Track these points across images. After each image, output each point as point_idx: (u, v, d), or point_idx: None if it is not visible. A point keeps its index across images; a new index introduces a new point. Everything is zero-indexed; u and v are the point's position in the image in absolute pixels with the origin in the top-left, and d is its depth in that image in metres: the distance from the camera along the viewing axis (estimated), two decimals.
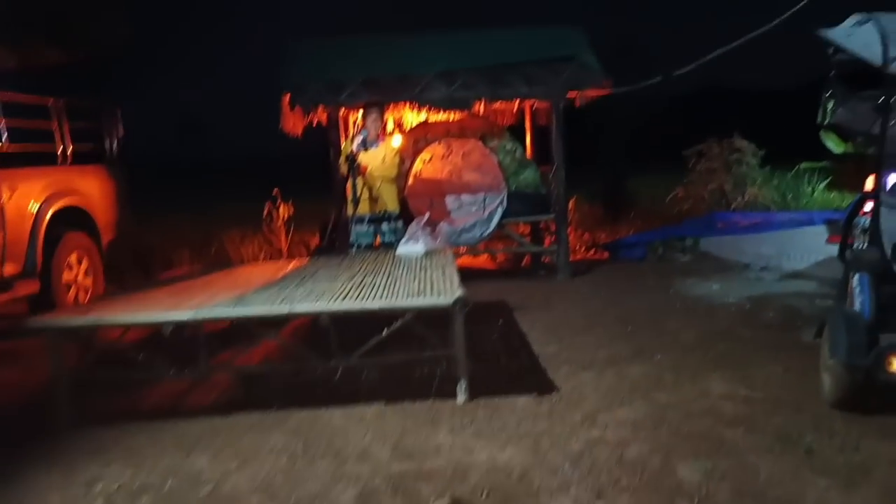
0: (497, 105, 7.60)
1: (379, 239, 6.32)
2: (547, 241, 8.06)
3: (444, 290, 3.72)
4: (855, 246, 3.90)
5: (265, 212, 9.03)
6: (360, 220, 6.23)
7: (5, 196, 5.30)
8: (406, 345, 3.93)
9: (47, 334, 3.47)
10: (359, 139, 6.10)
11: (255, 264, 5.78)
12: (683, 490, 2.69)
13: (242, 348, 4.07)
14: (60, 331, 3.43)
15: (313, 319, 3.85)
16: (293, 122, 7.14)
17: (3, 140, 5.63)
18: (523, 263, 8.55)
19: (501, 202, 7.41)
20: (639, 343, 4.77)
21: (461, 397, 3.70)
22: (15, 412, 3.95)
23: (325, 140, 7.21)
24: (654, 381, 3.95)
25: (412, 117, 7.85)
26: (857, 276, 3.46)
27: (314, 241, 8.84)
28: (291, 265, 5.24)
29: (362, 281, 4.15)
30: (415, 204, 7.34)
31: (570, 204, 9.82)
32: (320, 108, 6.92)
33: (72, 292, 6.03)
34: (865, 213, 3.67)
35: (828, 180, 10.10)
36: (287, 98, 6.83)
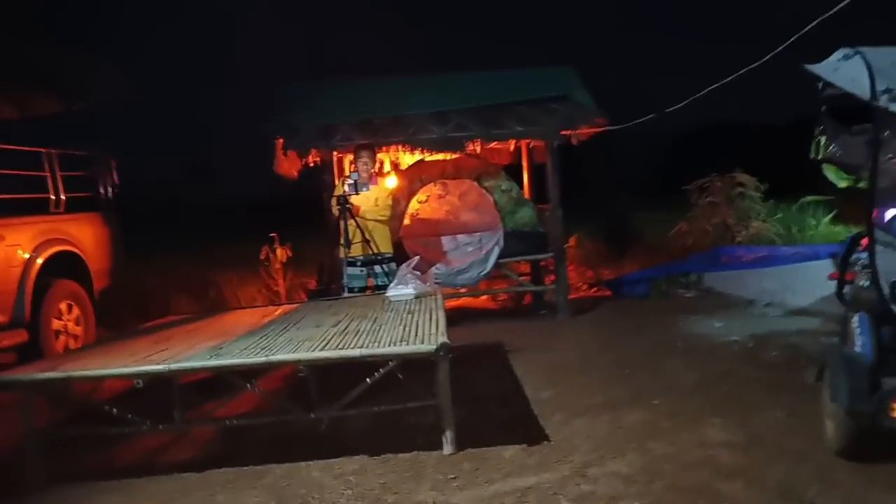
0: (492, 145, 7.57)
1: (372, 281, 6.24)
2: (547, 279, 7.94)
3: (427, 337, 3.59)
4: (856, 283, 3.76)
5: (262, 255, 8.97)
6: (353, 263, 6.15)
7: None
8: (394, 393, 3.80)
9: (15, 389, 3.37)
10: (350, 181, 6.06)
11: (243, 310, 5.67)
12: None
13: (222, 400, 3.94)
14: (27, 384, 3.32)
15: (296, 368, 3.73)
16: (287, 166, 7.13)
17: None
18: (525, 302, 8.42)
19: (498, 242, 7.31)
20: (637, 386, 4.60)
21: (447, 448, 3.55)
22: None
23: (319, 182, 7.18)
24: (650, 429, 3.77)
25: (407, 158, 7.83)
26: (856, 317, 3.31)
27: (313, 283, 8.77)
28: (279, 311, 5.14)
29: (346, 327, 4.04)
30: (410, 245, 7.26)
31: (572, 241, 9.76)
32: (313, 152, 6.90)
33: (61, 340, 5.94)
34: (864, 249, 3.54)
35: (833, 213, 9.95)
36: (280, 142, 6.83)
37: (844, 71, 3.15)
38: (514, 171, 8.38)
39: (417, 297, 5.05)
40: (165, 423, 3.54)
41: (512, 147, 8.22)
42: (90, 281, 6.45)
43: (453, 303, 8.42)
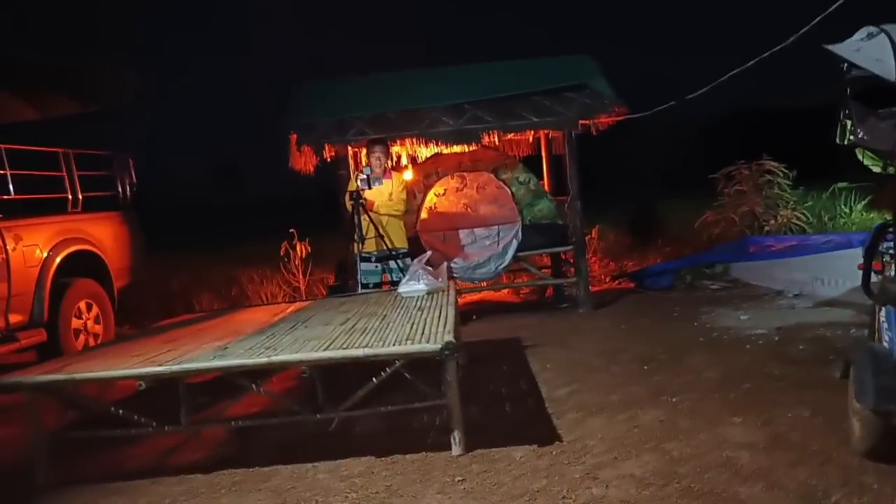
0: (510, 136, 7.43)
1: (387, 277, 6.17)
2: (570, 272, 7.80)
3: (434, 335, 3.50)
4: (885, 274, 3.56)
5: (282, 251, 8.98)
6: (367, 259, 6.10)
7: (10, 246, 5.31)
8: (406, 392, 3.72)
9: (19, 391, 3.37)
10: (363, 176, 6.00)
11: (256, 308, 5.65)
12: None
13: (230, 401, 3.91)
14: (31, 387, 3.32)
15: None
16: (303, 161, 7.09)
17: (10, 190, 5.67)
18: (547, 295, 8.29)
19: (516, 235, 7.19)
20: (656, 383, 4.45)
21: (456, 449, 3.46)
22: None
23: (334, 178, 7.13)
24: (668, 429, 3.64)
25: (425, 151, 7.74)
26: (884, 310, 3.14)
27: (332, 279, 8.75)
28: (291, 308, 5.10)
29: (354, 325, 3.97)
30: (427, 239, 7.18)
31: (594, 232, 9.57)
32: (327, 147, 6.85)
33: (81, 339, 6.00)
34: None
35: (867, 199, 9.59)
36: (294, 138, 6.79)
37: (868, 51, 2.96)
38: (534, 163, 8.24)
39: (429, 292, 4.97)
40: (172, 424, 3.51)
41: (531, 138, 8.07)
42: (110, 280, 6.49)
43: (474, 297, 8.34)
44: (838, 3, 4.05)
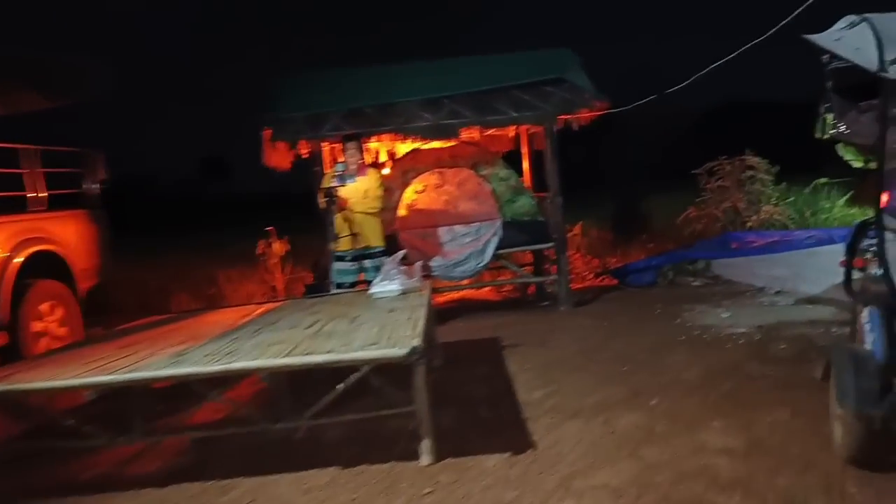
0: (491, 131, 7.29)
1: (363, 276, 6.01)
2: (552, 269, 7.68)
3: (401, 339, 3.35)
4: (866, 272, 3.46)
5: (259, 249, 8.80)
6: (342, 258, 5.93)
7: None
8: (375, 398, 3.57)
9: None
10: (336, 173, 5.83)
11: (225, 310, 5.46)
12: None
13: (192, 407, 3.74)
14: None
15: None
16: (277, 158, 6.91)
17: None
18: (529, 292, 8.17)
19: (496, 232, 7.05)
20: (634, 385, 4.34)
21: (425, 459, 3.32)
22: None
23: (309, 174, 6.95)
24: (645, 433, 3.52)
25: (404, 147, 7.57)
26: (866, 311, 3.03)
27: (310, 278, 8.58)
28: (260, 310, 4.93)
29: (321, 329, 3.81)
30: (406, 237, 7.02)
31: (576, 229, 9.46)
32: (302, 143, 6.67)
33: (43, 342, 5.77)
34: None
35: (849, 195, 9.55)
36: (267, 133, 6.61)
37: (848, 40, 2.85)
38: (515, 159, 8.11)
39: (403, 293, 4.82)
40: (125, 434, 3.34)
41: (512, 133, 7.93)
42: (74, 281, 6.27)
43: (454, 295, 8.20)
44: None
